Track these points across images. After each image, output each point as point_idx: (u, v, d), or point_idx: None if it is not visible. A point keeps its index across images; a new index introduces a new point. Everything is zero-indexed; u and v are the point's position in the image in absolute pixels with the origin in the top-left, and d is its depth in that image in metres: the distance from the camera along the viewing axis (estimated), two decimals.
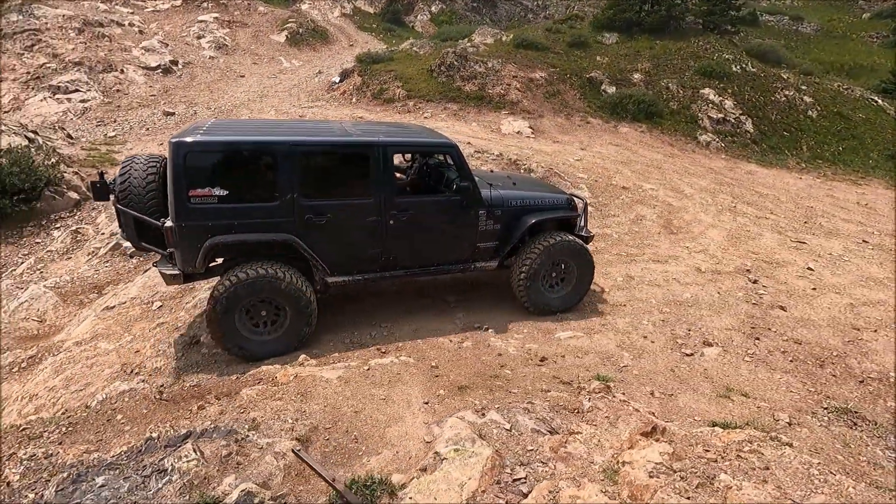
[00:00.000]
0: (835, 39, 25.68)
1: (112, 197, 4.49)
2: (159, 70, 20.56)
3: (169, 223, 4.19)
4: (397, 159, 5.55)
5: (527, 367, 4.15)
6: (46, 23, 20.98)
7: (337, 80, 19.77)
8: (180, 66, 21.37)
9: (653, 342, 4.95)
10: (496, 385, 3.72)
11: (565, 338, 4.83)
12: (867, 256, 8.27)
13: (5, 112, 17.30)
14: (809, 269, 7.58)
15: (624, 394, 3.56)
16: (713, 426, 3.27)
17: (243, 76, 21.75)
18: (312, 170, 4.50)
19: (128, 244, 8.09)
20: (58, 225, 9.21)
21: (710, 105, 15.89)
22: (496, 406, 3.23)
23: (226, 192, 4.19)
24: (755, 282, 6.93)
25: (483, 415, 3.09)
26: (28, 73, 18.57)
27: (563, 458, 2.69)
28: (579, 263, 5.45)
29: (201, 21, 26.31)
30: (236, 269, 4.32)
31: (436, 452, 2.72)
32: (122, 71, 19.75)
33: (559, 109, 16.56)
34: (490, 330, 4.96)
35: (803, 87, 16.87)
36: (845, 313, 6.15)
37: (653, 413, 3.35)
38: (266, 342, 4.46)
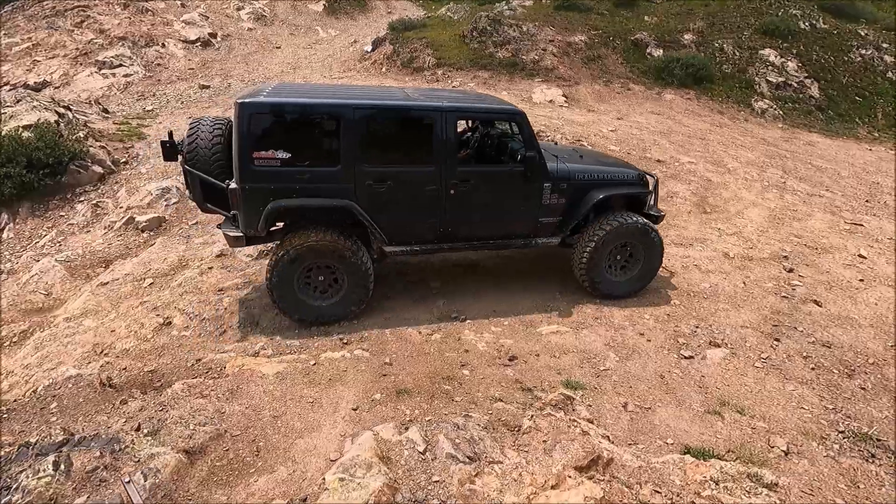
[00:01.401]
0: None
1: (180, 157, 4.56)
2: (198, 43, 20.81)
3: (233, 185, 4.19)
4: (459, 127, 5.30)
5: (490, 368, 3.77)
6: None
7: (369, 49, 19.34)
8: (219, 39, 21.56)
9: (649, 340, 4.41)
10: (442, 390, 3.37)
11: (547, 332, 4.39)
12: None
13: (56, 87, 18.07)
14: (861, 255, 6.65)
15: (590, 406, 3.13)
16: (685, 454, 2.78)
17: (279, 47, 21.72)
18: (375, 135, 4.43)
19: (141, 218, 8.25)
20: (81, 198, 9.48)
21: (770, 68, 14.28)
22: (427, 418, 2.89)
23: (289, 155, 4.16)
24: (791, 270, 6.14)
25: (405, 430, 2.76)
26: (77, 48, 19.28)
27: (467, 496, 2.32)
28: (647, 246, 5.18)
29: None
30: (297, 234, 4.33)
31: (323, 479, 2.43)
32: (163, 45, 20.15)
33: (598, 76, 15.44)
34: (467, 321, 4.60)
35: (884, 46, 14.82)
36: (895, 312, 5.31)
37: (608, 436, 2.89)
38: (322, 307, 4.51)
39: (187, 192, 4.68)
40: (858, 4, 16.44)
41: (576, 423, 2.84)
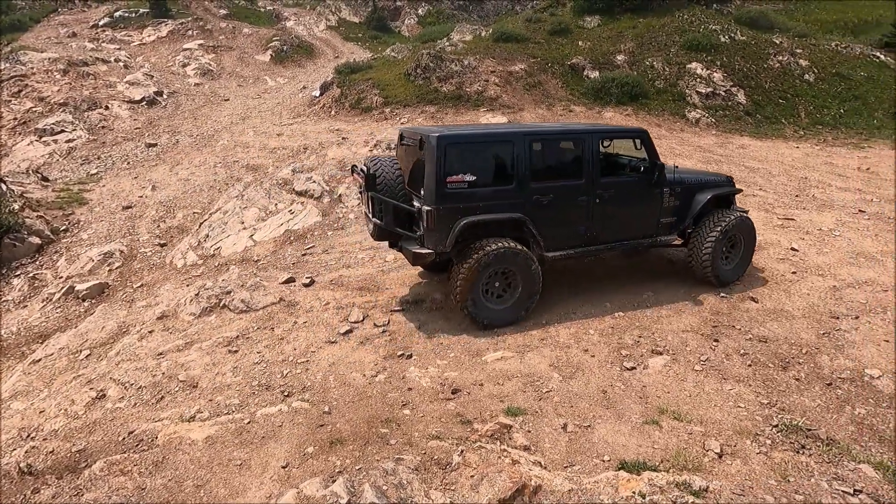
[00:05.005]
0: None
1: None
2: (144, 102, 20.66)
3: (426, 207, 4.77)
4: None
5: (432, 404, 3.72)
6: (32, 68, 21.36)
7: (317, 94, 19.58)
8: (165, 97, 21.47)
9: (593, 356, 4.45)
10: (379, 434, 3.30)
11: (492, 360, 4.38)
12: (861, 228, 7.56)
13: None
14: (793, 249, 6.94)
15: (529, 431, 3.11)
16: (619, 469, 2.78)
17: (227, 100, 21.74)
18: (540, 156, 5.25)
19: (81, 286, 7.93)
20: (18, 272, 9.11)
21: (698, 79, 15.11)
22: (357, 467, 2.81)
23: (474, 178, 4.86)
24: None
25: (331, 482, 2.68)
26: (15, 119, 18.87)
27: None
28: (747, 237, 5.96)
29: (186, 49, 26.53)
30: (481, 244, 4.86)
31: None
32: (106, 107, 19.91)
33: (540, 100, 16.00)
34: (413, 357, 4.55)
35: (798, 51, 15.91)
36: (826, 299, 5.54)
37: (540, 462, 2.87)
38: (498, 311, 5.03)
39: (374, 218, 5.16)
40: (771, 17, 17.68)
41: (507, 453, 2.81)
